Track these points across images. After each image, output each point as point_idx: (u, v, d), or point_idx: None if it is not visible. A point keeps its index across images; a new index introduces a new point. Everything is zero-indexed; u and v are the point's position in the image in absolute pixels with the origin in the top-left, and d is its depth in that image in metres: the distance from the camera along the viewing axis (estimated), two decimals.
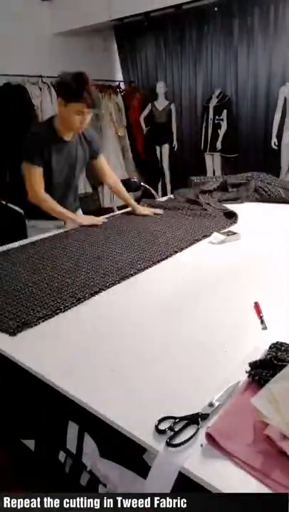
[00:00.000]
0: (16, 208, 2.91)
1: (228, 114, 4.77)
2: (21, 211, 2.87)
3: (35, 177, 1.87)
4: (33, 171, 1.86)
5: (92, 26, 4.74)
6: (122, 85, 5.65)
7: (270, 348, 0.96)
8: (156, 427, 0.77)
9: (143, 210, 2.29)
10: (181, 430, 0.76)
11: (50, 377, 0.93)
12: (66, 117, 1.81)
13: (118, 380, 0.92)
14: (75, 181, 2.12)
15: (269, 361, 0.87)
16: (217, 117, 4.80)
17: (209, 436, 0.74)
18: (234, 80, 4.79)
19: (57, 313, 1.22)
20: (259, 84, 4.61)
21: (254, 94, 4.69)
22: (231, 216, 2.20)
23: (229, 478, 0.67)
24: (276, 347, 0.95)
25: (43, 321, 1.18)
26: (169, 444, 0.73)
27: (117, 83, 5.59)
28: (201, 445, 0.73)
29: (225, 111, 4.75)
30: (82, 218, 2.10)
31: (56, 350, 1.06)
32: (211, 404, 0.81)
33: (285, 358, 0.87)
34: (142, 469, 0.86)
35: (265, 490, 0.65)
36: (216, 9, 4.52)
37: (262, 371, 0.85)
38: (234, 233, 1.86)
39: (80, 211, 2.30)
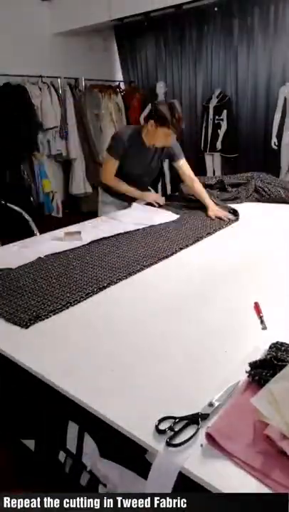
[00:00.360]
0: (16, 208, 2.90)
1: (228, 114, 4.76)
2: (21, 211, 2.87)
3: (110, 166, 2.32)
4: (109, 162, 2.31)
5: (92, 26, 4.74)
6: (122, 85, 5.64)
7: (270, 348, 0.96)
8: (157, 426, 0.77)
9: (217, 211, 2.26)
10: (181, 430, 0.76)
11: (50, 377, 0.93)
12: (155, 136, 2.18)
13: (118, 379, 0.92)
14: (150, 175, 2.53)
15: (269, 361, 0.87)
16: (217, 117, 4.79)
17: (209, 436, 0.74)
18: (234, 79, 4.78)
19: (67, 307, 1.26)
20: (259, 84, 4.60)
21: (254, 94, 4.68)
22: (234, 214, 2.27)
23: (229, 478, 0.67)
24: (276, 347, 0.95)
25: (53, 315, 1.21)
26: (169, 444, 0.73)
27: (117, 83, 5.59)
28: (201, 445, 0.73)
29: (225, 111, 4.74)
30: (147, 195, 2.45)
31: (56, 350, 1.06)
32: (210, 404, 0.82)
33: (285, 358, 0.87)
34: (142, 469, 0.86)
35: (265, 490, 0.65)
36: (216, 9, 4.51)
37: (262, 371, 0.85)
38: None
39: (152, 191, 2.71)
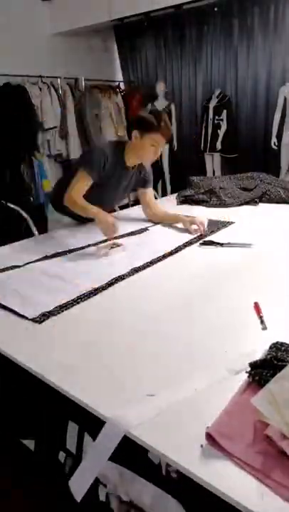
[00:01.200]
0: (16, 208, 2.90)
1: (228, 114, 4.76)
2: (18, 209, 2.87)
3: (82, 184, 1.86)
4: (84, 179, 1.86)
5: (92, 26, 4.74)
6: (122, 85, 5.64)
7: (270, 348, 0.96)
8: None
9: (192, 219, 2.02)
10: None
11: (50, 377, 0.93)
12: (140, 149, 1.88)
13: (118, 380, 0.92)
14: (121, 199, 2.33)
15: (269, 361, 0.87)
16: (217, 117, 4.80)
17: (209, 437, 0.73)
18: (234, 80, 4.79)
19: (78, 303, 1.29)
20: (259, 84, 4.61)
21: (254, 94, 4.68)
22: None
23: (229, 478, 0.67)
24: (276, 347, 0.95)
25: (64, 311, 1.24)
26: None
27: (117, 83, 5.59)
28: (201, 445, 0.73)
29: (225, 111, 4.75)
30: (101, 220, 1.81)
31: (56, 350, 1.05)
32: None
33: (285, 358, 0.87)
34: (143, 469, 0.86)
35: (265, 490, 0.65)
36: (215, 9, 4.52)
37: (262, 371, 0.85)
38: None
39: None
